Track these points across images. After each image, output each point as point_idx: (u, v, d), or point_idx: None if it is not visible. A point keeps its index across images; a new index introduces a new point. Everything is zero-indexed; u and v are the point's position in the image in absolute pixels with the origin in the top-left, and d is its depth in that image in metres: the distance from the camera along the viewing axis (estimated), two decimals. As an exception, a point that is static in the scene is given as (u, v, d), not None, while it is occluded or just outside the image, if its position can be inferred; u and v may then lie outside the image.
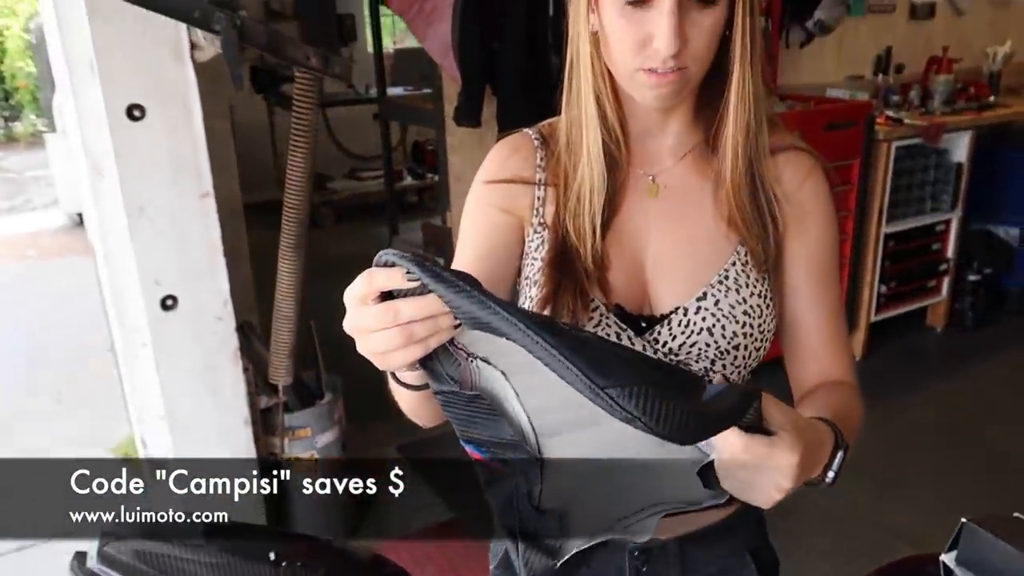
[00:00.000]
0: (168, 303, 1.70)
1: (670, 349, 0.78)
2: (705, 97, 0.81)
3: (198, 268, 1.72)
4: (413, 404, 0.73)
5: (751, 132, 0.78)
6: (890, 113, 3.24)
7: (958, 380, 3.14)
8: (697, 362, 0.78)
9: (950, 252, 3.46)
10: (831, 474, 0.66)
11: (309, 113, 1.74)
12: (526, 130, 0.88)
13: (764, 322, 0.78)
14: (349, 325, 0.59)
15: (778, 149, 0.81)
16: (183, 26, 1.60)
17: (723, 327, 0.77)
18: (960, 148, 3.32)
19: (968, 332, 3.53)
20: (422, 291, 0.57)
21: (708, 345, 0.77)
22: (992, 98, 3.67)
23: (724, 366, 0.78)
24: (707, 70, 0.76)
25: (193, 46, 1.63)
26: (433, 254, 3.07)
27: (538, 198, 0.83)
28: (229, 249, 2.18)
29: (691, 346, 0.77)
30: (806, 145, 0.84)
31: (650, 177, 0.83)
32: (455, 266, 0.86)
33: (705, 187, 0.81)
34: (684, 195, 0.82)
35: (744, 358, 0.78)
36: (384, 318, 0.57)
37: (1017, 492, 2.47)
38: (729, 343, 0.77)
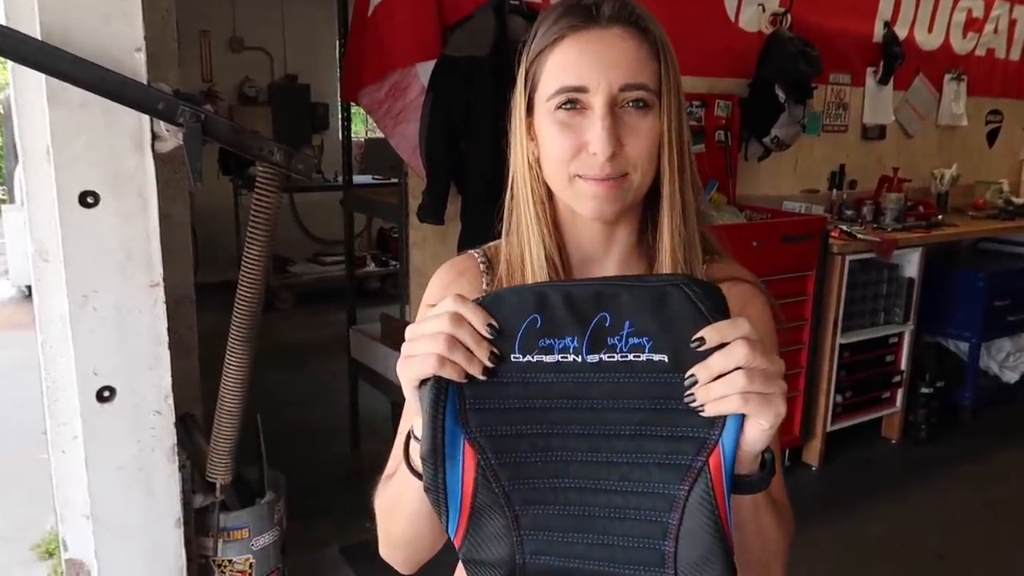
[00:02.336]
0: (105, 395, 1.63)
1: None
2: (646, 224, 0.82)
3: (140, 360, 1.66)
4: (417, 508, 0.73)
5: (688, 244, 0.80)
6: (844, 227, 3.34)
7: (914, 496, 3.13)
8: None
9: (903, 364, 3.51)
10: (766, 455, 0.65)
11: (270, 206, 1.72)
12: (472, 252, 0.88)
13: None
14: (412, 328, 0.64)
15: (720, 280, 0.82)
16: (146, 117, 1.59)
17: None
18: (911, 264, 3.42)
19: (922, 445, 3.55)
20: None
21: None
22: (940, 217, 3.82)
23: None
24: (649, 182, 0.78)
25: (155, 137, 1.61)
26: (389, 346, 3.03)
27: None
28: (177, 338, 2.12)
29: None
30: (749, 275, 0.85)
31: None
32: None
33: None
34: None
35: None
36: (445, 325, 0.61)
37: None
38: None
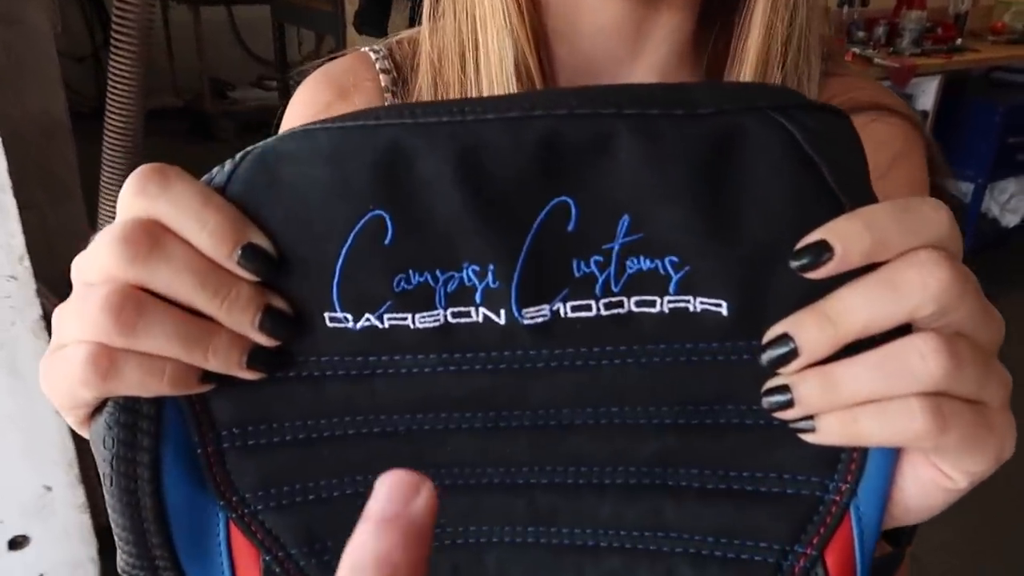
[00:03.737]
0: (-66, 257, 1.25)
1: None
2: (712, 11, 0.45)
3: (-24, 211, 1.26)
4: None
5: (803, 46, 0.42)
6: (857, 50, 2.90)
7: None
8: None
9: (904, 208, 3.21)
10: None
11: (134, 2, 1.27)
12: (367, 50, 0.50)
13: None
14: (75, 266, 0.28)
15: (852, 108, 0.45)
16: None
17: None
18: (927, 95, 3.04)
19: (913, 294, 3.33)
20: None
21: None
22: (959, 41, 3.38)
23: None
24: None
25: None
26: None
27: None
28: (52, 179, 1.72)
29: None
30: (898, 101, 0.49)
31: None
32: None
33: None
34: None
35: None
36: (116, 261, 0.26)
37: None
38: None
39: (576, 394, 0.27)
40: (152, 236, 0.25)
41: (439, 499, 0.29)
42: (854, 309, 0.24)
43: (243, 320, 0.26)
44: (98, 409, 0.27)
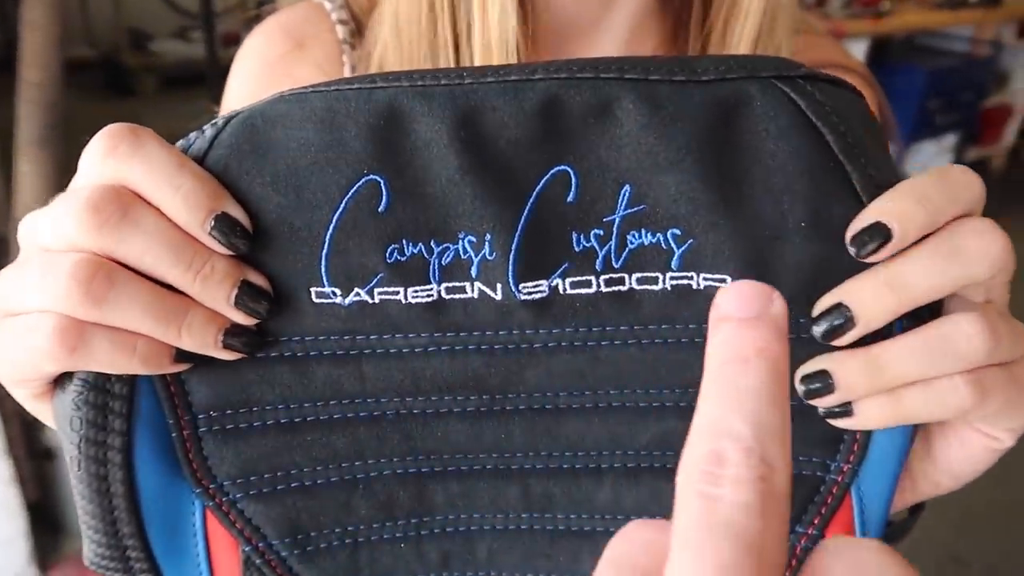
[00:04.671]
0: None
1: None
2: None
3: None
4: None
5: (775, 9, 0.41)
6: (789, 13, 2.94)
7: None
8: None
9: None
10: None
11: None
12: (320, 0, 0.48)
13: None
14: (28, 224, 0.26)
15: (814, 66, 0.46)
16: None
17: None
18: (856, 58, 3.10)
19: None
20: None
21: None
22: (888, 5, 3.46)
23: None
24: None
25: None
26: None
27: None
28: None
29: None
30: (853, 58, 0.50)
31: None
32: None
33: None
34: None
35: None
36: (82, 227, 0.24)
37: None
38: None
39: (574, 376, 0.27)
40: (122, 203, 0.24)
41: (427, 487, 0.28)
42: (917, 278, 0.24)
43: (218, 296, 0.25)
44: (56, 383, 0.26)
